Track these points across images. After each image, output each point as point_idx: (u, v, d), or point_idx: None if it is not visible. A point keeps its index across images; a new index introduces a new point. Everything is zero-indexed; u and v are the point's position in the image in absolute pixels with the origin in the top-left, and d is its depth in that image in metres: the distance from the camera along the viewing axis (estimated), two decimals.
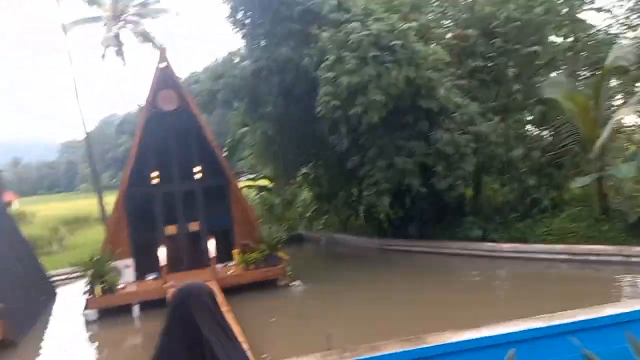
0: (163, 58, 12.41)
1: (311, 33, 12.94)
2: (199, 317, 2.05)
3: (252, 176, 21.74)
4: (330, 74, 11.82)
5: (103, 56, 31.47)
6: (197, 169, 12.80)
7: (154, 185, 12.57)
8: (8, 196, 55.16)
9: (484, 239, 13.88)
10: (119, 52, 31.38)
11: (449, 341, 3.89)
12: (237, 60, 15.04)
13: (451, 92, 13.39)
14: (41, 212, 37.60)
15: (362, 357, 4.69)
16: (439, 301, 9.85)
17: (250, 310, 10.20)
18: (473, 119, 13.79)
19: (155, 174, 12.53)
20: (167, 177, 12.71)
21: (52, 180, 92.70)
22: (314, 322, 9.41)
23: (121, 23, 30.92)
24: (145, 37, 30.69)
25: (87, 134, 27.44)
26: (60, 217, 32.30)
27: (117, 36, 30.87)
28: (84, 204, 38.40)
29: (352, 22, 12.28)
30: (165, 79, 12.40)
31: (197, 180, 12.86)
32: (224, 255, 12.46)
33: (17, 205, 47.15)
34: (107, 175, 55.80)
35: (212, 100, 14.11)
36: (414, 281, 11.94)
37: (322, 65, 12.11)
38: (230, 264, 12.55)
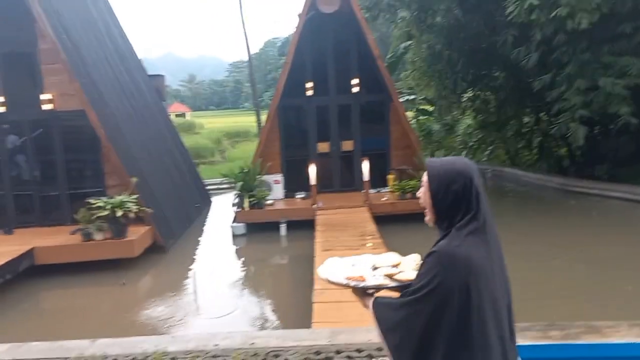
0: None
1: None
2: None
3: (411, 97, 19.89)
4: None
5: None
6: (355, 81, 11.41)
7: (308, 97, 11.53)
8: (180, 107, 60.17)
9: None
10: None
11: None
12: None
13: None
14: (208, 124, 40.06)
15: (577, 343, 3.37)
16: None
17: (405, 246, 8.89)
18: None
19: (309, 84, 11.44)
20: (322, 89, 11.57)
21: (221, 97, 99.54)
22: None
23: None
24: None
25: (250, 55, 27.55)
26: (224, 130, 33.93)
27: None
28: (247, 120, 40.10)
29: None
30: None
31: (355, 94, 11.52)
32: (378, 180, 11.23)
33: (188, 116, 51.15)
34: (268, 95, 57.61)
35: (377, 2, 12.36)
36: (624, 237, 9.13)
37: None
38: (385, 190, 11.28)
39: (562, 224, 10.28)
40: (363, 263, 2.07)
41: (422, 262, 1.78)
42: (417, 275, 1.77)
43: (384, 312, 1.84)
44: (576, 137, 10.74)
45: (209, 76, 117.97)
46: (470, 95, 17.36)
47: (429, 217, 1.87)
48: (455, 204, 1.76)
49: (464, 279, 1.67)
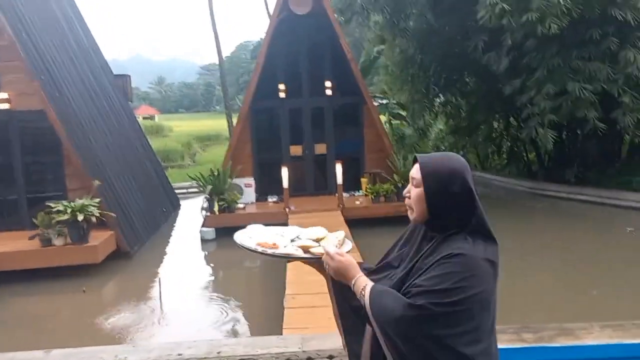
0: None
1: None
2: None
3: (384, 102, 19.90)
4: None
5: None
6: (328, 84, 11.28)
7: (281, 99, 11.34)
8: (149, 110, 59.15)
9: None
10: None
11: None
12: None
13: None
14: (177, 127, 39.42)
15: (551, 345, 3.26)
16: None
17: (378, 250, 8.77)
18: None
19: (282, 86, 11.26)
20: (295, 91, 11.40)
21: (192, 100, 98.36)
22: None
23: None
24: None
25: (221, 58, 27.29)
26: (194, 134, 33.45)
27: None
28: (218, 123, 39.61)
29: None
30: None
31: (328, 96, 11.38)
32: (351, 183, 11.12)
33: (156, 119, 50.29)
34: (240, 98, 57.32)
35: (350, 4, 12.26)
36: (594, 239, 9.38)
37: None
38: (358, 193, 11.17)
39: (530, 226, 10.41)
40: (290, 233, 1.97)
41: (438, 262, 1.59)
42: (433, 276, 1.57)
43: (383, 306, 1.61)
44: (545, 142, 10.83)
45: (180, 79, 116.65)
46: (443, 100, 17.44)
47: (417, 216, 1.71)
48: (454, 205, 1.64)
49: (491, 287, 1.61)
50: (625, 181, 11.92)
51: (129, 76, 14.09)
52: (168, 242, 10.60)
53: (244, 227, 1.99)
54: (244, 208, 10.53)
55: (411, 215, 1.74)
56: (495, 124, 17.28)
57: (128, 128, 12.63)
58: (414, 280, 1.62)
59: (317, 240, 1.91)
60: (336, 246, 1.86)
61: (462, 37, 13.05)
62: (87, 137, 9.70)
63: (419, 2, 13.21)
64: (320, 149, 11.60)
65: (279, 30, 10.91)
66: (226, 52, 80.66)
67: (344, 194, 10.59)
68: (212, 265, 9.37)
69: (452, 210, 1.64)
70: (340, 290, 1.90)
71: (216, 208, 10.10)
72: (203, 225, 10.16)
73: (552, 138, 10.87)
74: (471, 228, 1.64)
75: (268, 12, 9.96)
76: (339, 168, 10.20)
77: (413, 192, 1.69)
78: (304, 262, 1.95)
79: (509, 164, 17.15)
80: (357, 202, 10.54)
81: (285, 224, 9.21)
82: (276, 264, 7.95)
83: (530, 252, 8.76)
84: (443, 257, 1.58)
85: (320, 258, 1.84)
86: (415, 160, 1.73)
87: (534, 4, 9.36)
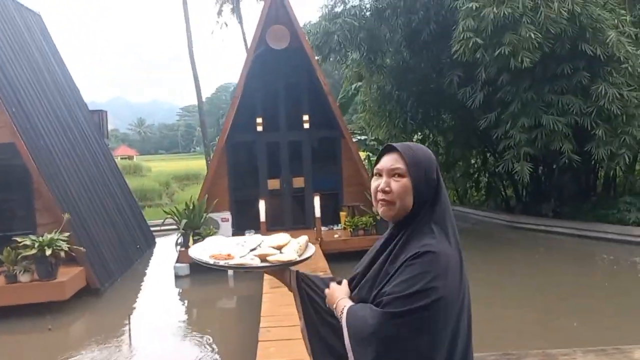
0: None
1: None
2: None
3: (362, 138, 20.03)
4: (473, 4, 9.58)
5: (219, 13, 31.21)
6: (305, 117, 11.29)
7: (258, 132, 11.29)
8: (127, 151, 58.76)
9: None
10: (236, 9, 30.92)
11: None
12: None
13: (621, 39, 10.55)
14: (156, 167, 39.09)
15: None
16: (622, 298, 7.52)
17: None
18: None
19: (259, 120, 11.23)
20: (272, 125, 11.37)
21: (172, 141, 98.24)
22: None
23: None
24: None
25: (200, 99, 27.38)
26: (173, 173, 33.12)
27: None
28: (197, 163, 39.40)
29: None
30: (277, 13, 10.94)
31: (306, 130, 11.37)
32: (329, 217, 10.99)
33: (134, 159, 49.90)
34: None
35: (327, 41, 12.43)
36: (573, 270, 9.40)
37: None
38: (337, 227, 11.02)
39: (508, 258, 10.40)
40: (251, 242, 1.84)
41: (405, 263, 1.48)
42: (403, 280, 1.45)
43: (359, 322, 1.50)
44: (522, 174, 10.90)
45: (161, 120, 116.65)
46: (420, 136, 17.61)
47: (396, 212, 1.58)
48: (432, 193, 1.58)
49: (461, 283, 1.51)
50: (601, 214, 12.01)
51: (106, 112, 13.96)
52: (141, 278, 10.25)
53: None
54: None
55: (390, 212, 1.59)
56: (473, 160, 17.46)
57: (103, 164, 12.40)
58: (383, 287, 1.51)
59: (279, 248, 1.79)
60: (297, 252, 1.74)
61: (438, 74, 13.29)
62: (59, 170, 9.45)
63: (394, 40, 13.49)
64: (298, 182, 11.49)
65: (256, 64, 10.96)
66: (207, 94, 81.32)
67: (323, 228, 10.44)
68: (185, 302, 9.05)
69: (429, 199, 1.58)
70: (310, 304, 1.78)
71: (191, 243, 9.82)
72: (177, 261, 9.87)
73: (529, 170, 10.95)
74: (435, 218, 1.56)
75: (247, 48, 10.03)
76: (317, 201, 10.08)
77: (396, 184, 1.57)
78: (266, 272, 1.83)
79: (487, 198, 17.25)
80: (336, 236, 10.39)
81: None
82: (251, 298, 7.71)
83: (508, 281, 8.73)
84: (410, 257, 1.47)
85: (278, 266, 1.71)
86: (385, 151, 1.63)
87: (506, 38, 9.59)
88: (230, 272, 9.62)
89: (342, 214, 10.93)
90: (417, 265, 1.45)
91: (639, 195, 12.58)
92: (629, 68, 10.51)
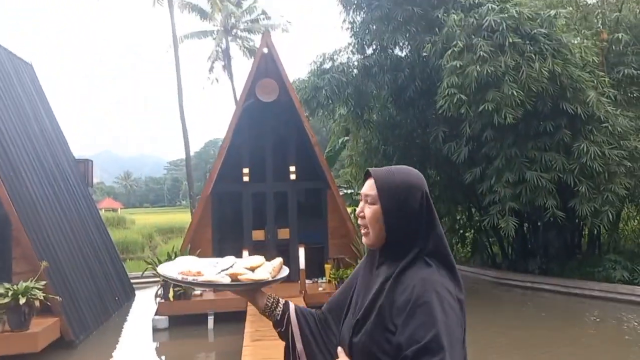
0: (266, 43, 11.23)
1: (436, 17, 11.15)
2: None
3: (348, 192, 20.07)
4: (457, 62, 9.88)
5: (211, 69, 31.85)
6: (292, 168, 11.32)
7: (244, 183, 11.26)
8: (112, 203, 58.13)
9: (630, 282, 11.09)
10: (227, 66, 31.60)
11: None
12: (345, 56, 13.58)
13: (601, 99, 10.90)
14: (140, 220, 38.62)
15: None
16: None
17: None
18: (625, 134, 11.23)
19: (245, 170, 11.22)
20: (259, 176, 11.36)
21: (158, 194, 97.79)
22: None
23: (231, 37, 31.18)
24: (253, 53, 30.48)
25: (188, 152, 27.61)
26: (157, 226, 32.73)
27: (226, 49, 31.12)
28: (182, 216, 39.03)
29: (486, 5, 10.31)
30: (266, 67, 11.17)
31: (292, 181, 11.37)
32: (315, 269, 10.83)
33: (119, 212, 49.33)
34: None
35: (315, 96, 12.67)
36: (565, 327, 9.25)
37: (448, 52, 10.19)
38: (321, 280, 10.83)
39: (495, 314, 10.22)
40: (224, 263, 1.75)
41: (413, 306, 1.39)
42: (413, 329, 1.36)
43: None
44: (507, 229, 10.90)
45: (149, 174, 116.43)
46: None
47: (371, 240, 1.54)
48: (412, 223, 1.49)
49: (462, 325, 1.45)
50: (587, 272, 11.98)
51: (91, 161, 13.88)
52: (118, 331, 9.85)
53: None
54: (201, 295, 10.01)
55: (366, 239, 1.57)
56: (458, 215, 17.51)
57: (86, 214, 12.19)
58: (388, 324, 1.42)
59: (252, 269, 1.70)
60: (270, 273, 1.67)
61: (423, 129, 13.54)
62: (40, 219, 9.26)
63: (381, 96, 13.82)
64: (284, 234, 11.37)
65: (245, 115, 11.07)
66: (195, 148, 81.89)
67: (307, 281, 10.25)
68: (162, 357, 8.68)
69: (411, 229, 1.49)
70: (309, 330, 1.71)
71: (171, 294, 9.56)
72: (156, 313, 9.54)
73: (514, 224, 10.97)
74: (428, 251, 1.48)
75: (236, 104, 10.21)
76: (301, 252, 9.95)
77: (368, 210, 1.54)
78: (236, 293, 1.74)
79: (473, 254, 17.18)
80: (320, 289, 10.20)
81: (245, 311, 8.74)
82: (231, 354, 7.40)
83: (497, 339, 8.53)
84: (418, 298, 1.39)
85: (249, 284, 1.62)
86: (367, 176, 1.60)
87: (489, 95, 9.85)
88: (210, 324, 9.32)
89: (327, 266, 10.77)
90: (428, 306, 1.38)
91: (624, 254, 12.65)
92: (609, 127, 10.79)
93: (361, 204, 1.58)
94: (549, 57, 9.87)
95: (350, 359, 1.51)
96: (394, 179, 1.52)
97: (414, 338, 1.34)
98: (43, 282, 7.70)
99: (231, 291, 1.71)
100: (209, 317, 9.38)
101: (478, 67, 9.65)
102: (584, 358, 7.31)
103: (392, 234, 1.50)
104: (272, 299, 1.71)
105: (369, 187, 1.55)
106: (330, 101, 13.32)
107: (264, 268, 1.70)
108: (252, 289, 1.67)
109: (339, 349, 1.56)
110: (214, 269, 1.70)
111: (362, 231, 1.57)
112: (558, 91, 10.40)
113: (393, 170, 1.56)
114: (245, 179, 11.23)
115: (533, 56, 9.74)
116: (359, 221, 1.58)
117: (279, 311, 1.70)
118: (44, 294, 7.51)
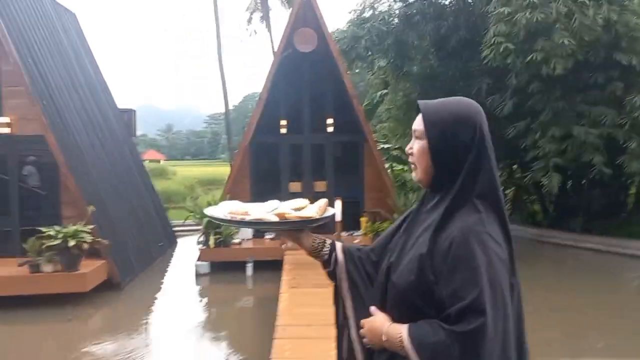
0: None
1: None
2: None
3: (385, 147, 19.85)
4: (506, 9, 9.42)
5: (249, 21, 31.52)
6: (329, 120, 11.24)
7: (282, 134, 11.27)
8: (155, 155, 59.51)
9: None
10: (265, 17, 31.19)
11: None
12: (386, 4, 13.14)
13: None
14: (182, 171, 39.54)
15: None
16: None
17: None
18: None
19: (283, 122, 11.22)
20: (296, 128, 11.33)
21: (198, 148, 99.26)
22: None
23: None
24: (292, 2, 29.87)
25: (227, 107, 27.65)
26: (198, 178, 33.47)
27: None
28: (222, 169, 39.71)
29: None
30: (305, 16, 10.95)
31: (329, 134, 11.31)
32: (350, 223, 10.85)
33: (161, 163, 50.57)
34: None
35: (354, 46, 12.40)
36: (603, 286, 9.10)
37: None
38: (357, 233, 10.90)
39: (535, 273, 10.07)
40: (268, 206, 1.76)
41: (446, 257, 1.34)
42: (455, 286, 1.32)
43: (439, 348, 1.33)
44: (550, 185, 10.61)
45: (189, 127, 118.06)
46: None
47: (420, 176, 1.51)
48: (464, 160, 1.40)
49: (513, 275, 1.42)
50: (633, 232, 11.60)
51: (134, 110, 14.15)
52: (162, 275, 10.28)
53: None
54: (239, 243, 10.26)
55: (415, 175, 1.53)
56: (499, 172, 17.18)
57: (129, 161, 12.55)
58: (427, 270, 1.37)
59: (298, 210, 1.71)
60: (317, 212, 1.67)
61: (465, 81, 13.10)
62: (86, 164, 9.58)
63: (422, 47, 13.39)
64: (320, 186, 11.40)
65: (283, 66, 10.96)
66: (234, 102, 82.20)
67: (343, 233, 10.32)
68: (205, 299, 9.04)
69: (459, 165, 1.41)
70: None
71: (212, 242, 9.84)
72: (198, 259, 9.88)
73: (558, 182, 10.66)
74: (478, 192, 1.40)
75: (274, 53, 10.08)
76: (338, 205, 9.96)
77: (416, 145, 1.49)
78: (280, 234, 1.77)
79: (513, 212, 16.89)
80: (356, 241, 10.27)
81: (281, 261, 8.93)
82: (269, 299, 7.62)
83: (537, 295, 8.44)
84: (460, 249, 1.34)
85: (297, 223, 1.63)
86: (418, 111, 1.54)
87: (538, 44, 9.39)
88: (249, 271, 9.59)
89: (363, 219, 10.80)
90: (470, 260, 1.32)
91: None
92: None
93: (412, 140, 1.53)
94: (604, 4, 9.29)
95: (384, 310, 1.50)
96: (443, 111, 1.44)
97: (457, 295, 1.30)
98: (91, 226, 8.03)
99: (278, 231, 1.72)
100: (247, 265, 9.66)
101: (527, 14, 9.17)
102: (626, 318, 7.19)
103: (439, 170, 1.45)
104: (318, 239, 1.71)
105: (417, 122, 1.50)
106: (369, 52, 13.03)
107: (310, 208, 1.68)
108: (299, 229, 1.67)
109: (372, 308, 1.52)
110: (261, 209, 1.71)
111: (412, 167, 1.54)
112: (612, 40, 9.84)
113: (444, 101, 1.48)
114: (283, 130, 11.24)
115: (587, 2, 9.18)
116: (409, 158, 1.54)
117: (326, 251, 1.70)
118: (92, 238, 7.84)
